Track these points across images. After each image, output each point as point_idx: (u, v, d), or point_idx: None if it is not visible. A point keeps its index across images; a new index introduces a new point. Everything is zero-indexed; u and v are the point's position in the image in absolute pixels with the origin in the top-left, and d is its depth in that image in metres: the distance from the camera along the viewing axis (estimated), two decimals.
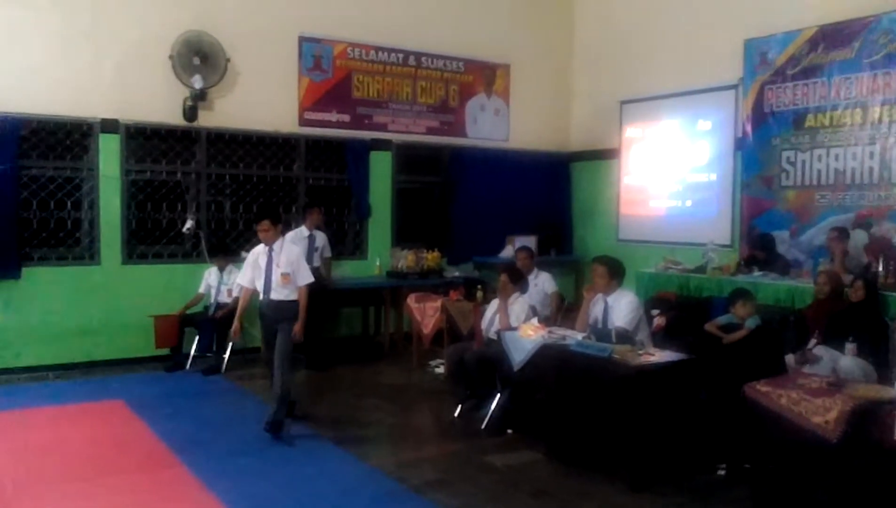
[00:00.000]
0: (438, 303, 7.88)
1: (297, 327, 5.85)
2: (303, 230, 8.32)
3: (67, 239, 8.02)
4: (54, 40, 7.71)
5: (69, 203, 7.98)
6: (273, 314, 5.89)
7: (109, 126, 7.98)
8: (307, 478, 5.02)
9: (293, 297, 5.89)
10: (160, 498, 4.68)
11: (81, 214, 8.05)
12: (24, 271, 7.65)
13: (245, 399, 7.05)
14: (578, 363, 5.25)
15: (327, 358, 8.20)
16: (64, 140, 7.93)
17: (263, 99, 8.78)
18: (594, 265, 5.98)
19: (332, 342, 8.73)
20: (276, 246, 5.93)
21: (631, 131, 10.21)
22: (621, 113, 10.27)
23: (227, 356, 7.94)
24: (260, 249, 6.01)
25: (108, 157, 8.00)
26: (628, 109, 10.20)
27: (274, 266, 5.88)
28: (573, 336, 5.67)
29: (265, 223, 5.88)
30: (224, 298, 8.11)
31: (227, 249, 8.45)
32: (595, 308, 5.89)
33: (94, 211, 8.00)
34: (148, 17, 8.09)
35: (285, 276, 5.85)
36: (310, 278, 5.98)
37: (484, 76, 10.50)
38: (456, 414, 6.37)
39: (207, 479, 4.91)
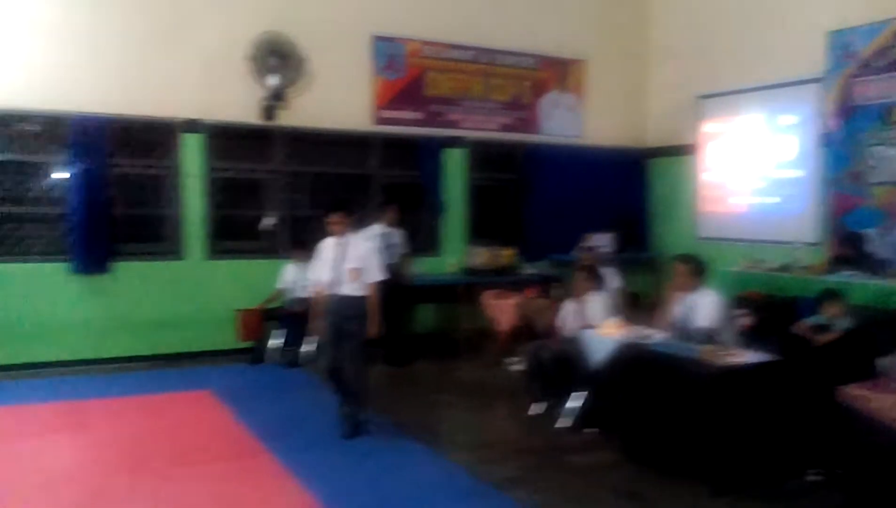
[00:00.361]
0: (515, 300, 7.87)
1: (370, 325, 5.72)
2: (380, 227, 8.41)
3: (154, 235, 8.30)
4: (140, 44, 7.99)
5: (155, 201, 8.27)
6: (341, 311, 5.69)
7: (192, 126, 8.23)
8: (388, 472, 5.07)
9: (362, 293, 5.73)
10: (249, 486, 4.80)
11: (167, 211, 8.32)
12: (114, 265, 7.96)
13: (324, 392, 7.15)
14: (661, 362, 5.16)
15: (405, 354, 8.28)
16: (150, 140, 8.21)
17: (338, 98, 8.91)
18: (676, 264, 5.87)
19: (408, 338, 8.81)
20: (346, 239, 5.76)
21: (710, 127, 9.99)
22: (700, 108, 10.05)
23: (303, 349, 8.09)
24: (329, 242, 5.82)
25: (192, 156, 8.26)
26: (707, 103, 9.98)
27: (343, 260, 5.70)
28: (655, 336, 5.58)
29: (337, 215, 5.73)
30: (303, 293, 8.26)
31: (306, 245, 8.59)
32: (677, 307, 5.79)
33: (179, 208, 8.26)
34: (227, 19, 8.30)
35: (355, 271, 5.67)
36: (380, 275, 5.82)
37: (557, 72, 10.42)
38: (533, 412, 6.35)
39: (293, 468, 5.03)
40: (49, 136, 7.80)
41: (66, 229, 7.80)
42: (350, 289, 5.69)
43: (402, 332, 8.43)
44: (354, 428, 5.71)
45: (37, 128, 7.77)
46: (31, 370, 7.54)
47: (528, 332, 7.61)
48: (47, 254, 7.80)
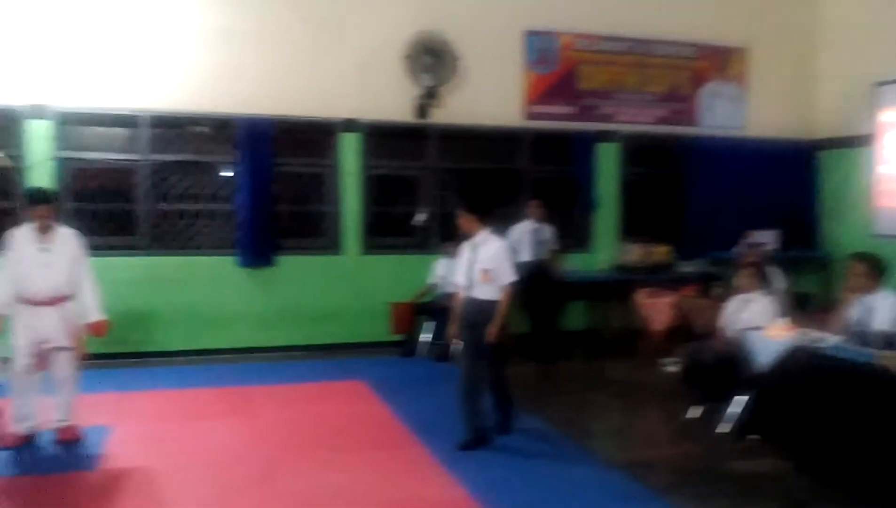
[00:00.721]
0: (671, 299, 7.59)
1: (492, 329, 5.28)
2: (529, 223, 8.37)
3: (314, 231, 8.66)
4: (302, 48, 8.35)
5: (315, 198, 8.63)
6: (471, 316, 5.39)
7: (350, 125, 8.51)
8: (541, 470, 5.01)
9: (496, 297, 5.33)
10: (401, 475, 4.90)
11: (326, 207, 8.64)
12: (278, 259, 8.36)
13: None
14: (834, 368, 4.79)
15: (554, 351, 8.18)
16: (311, 139, 8.58)
17: (490, 94, 8.94)
18: (852, 263, 5.43)
19: (558, 336, 8.70)
20: (477, 240, 5.41)
21: (888, 116, 9.20)
22: (876, 96, 9.27)
23: (453, 344, 8.16)
24: (467, 242, 5.54)
25: (349, 154, 8.55)
26: (885, 91, 9.18)
27: (476, 261, 5.39)
28: (828, 339, 5.19)
29: (465, 214, 5.44)
30: (453, 288, 8.34)
31: (456, 240, 8.66)
32: (853, 310, 5.35)
33: (337, 205, 8.57)
34: (383, 21, 8.52)
35: (486, 272, 5.30)
36: (513, 277, 5.36)
37: (717, 60, 9.94)
38: (691, 416, 6.08)
39: (445, 461, 5.08)
40: (218, 137, 8.32)
41: (234, 225, 8.29)
42: (482, 292, 5.35)
43: (551, 329, 8.34)
44: (500, 428, 5.63)
45: (207, 129, 8.30)
46: (203, 356, 8.05)
47: (685, 332, 7.32)
48: (217, 248, 8.32)
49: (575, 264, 9.08)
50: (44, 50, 7.59)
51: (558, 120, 9.29)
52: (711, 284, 7.62)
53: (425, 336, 8.36)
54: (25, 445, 5.27)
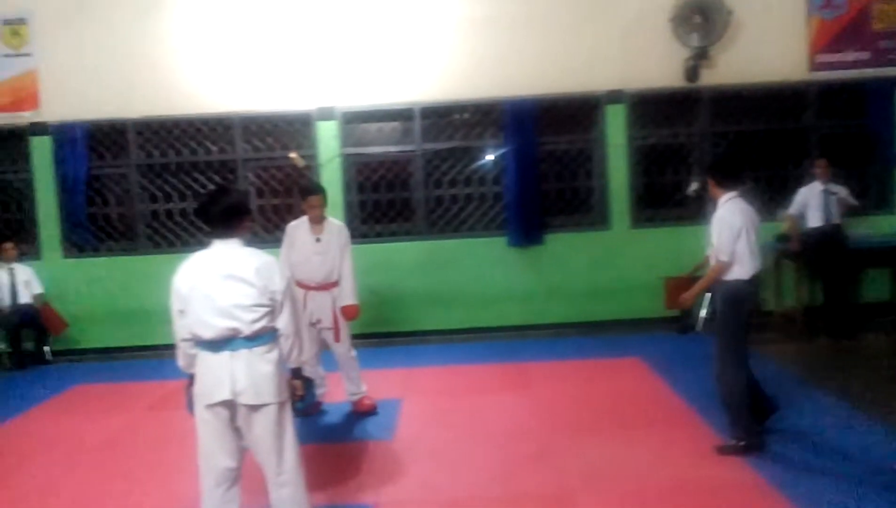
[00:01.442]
0: None
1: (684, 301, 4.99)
2: (816, 185, 7.65)
3: (581, 207, 8.59)
4: (562, 25, 8.29)
5: (581, 173, 8.55)
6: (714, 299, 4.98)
7: (615, 97, 8.30)
8: (839, 453, 4.58)
9: (732, 276, 4.71)
10: (685, 454, 4.71)
11: (593, 182, 8.54)
12: (546, 237, 8.42)
13: (760, 364, 6.68)
14: None
15: (850, 325, 7.39)
16: (574, 115, 8.49)
17: (768, 48, 8.25)
18: None
19: (855, 308, 7.85)
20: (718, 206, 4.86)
21: None
22: None
23: None
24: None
25: (615, 126, 8.34)
26: None
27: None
28: None
29: (710, 179, 4.93)
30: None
31: None
32: None
33: (604, 180, 8.42)
34: None
35: (711, 246, 4.82)
36: (724, 256, 4.62)
37: None
38: None
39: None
40: (484, 121, 8.54)
41: (502, 206, 8.47)
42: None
43: (846, 300, 7.55)
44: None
45: (472, 115, 8.55)
46: (478, 334, 8.35)
47: None
48: (486, 230, 8.56)
49: (874, 228, 8.11)
50: (327, 58, 8.29)
51: (849, 68, 8.31)
52: None
53: (703, 311, 7.95)
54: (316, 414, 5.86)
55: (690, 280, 7.88)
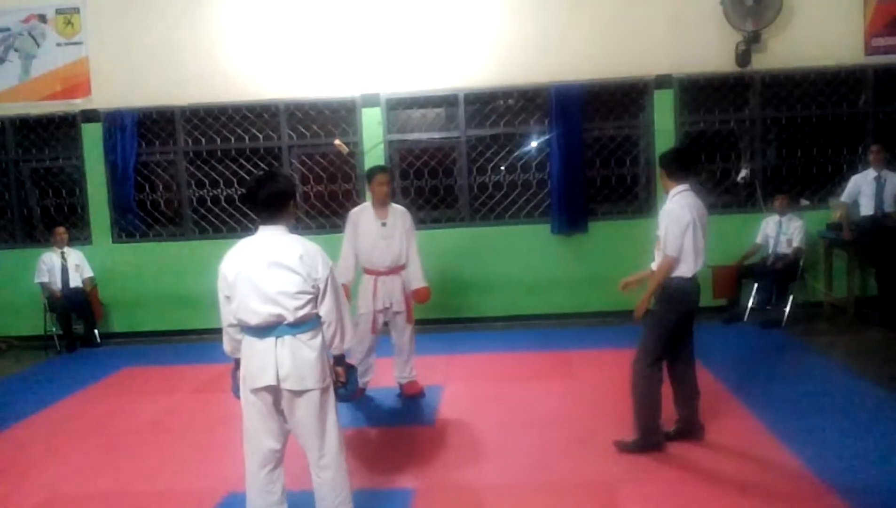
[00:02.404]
0: None
1: (638, 310, 4.73)
2: (870, 172, 7.46)
3: (627, 194, 8.47)
4: (611, 9, 8.14)
5: (627, 160, 8.43)
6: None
7: (663, 82, 8.14)
8: (893, 446, 4.44)
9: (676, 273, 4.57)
10: (732, 445, 4.63)
11: (639, 169, 8.41)
12: (591, 225, 8.33)
13: (809, 356, 6.61)
14: None
15: None
16: (621, 101, 8.36)
17: (822, 32, 8.00)
18: None
19: None
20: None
21: None
22: None
23: (787, 309, 7.53)
24: None
25: (663, 112, 8.19)
26: None
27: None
28: None
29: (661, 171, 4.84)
30: (783, 248, 7.69)
31: (786, 196, 7.92)
32: None
33: (651, 166, 8.28)
34: None
35: (658, 241, 4.66)
36: (671, 251, 4.47)
37: None
38: None
39: (778, 432, 4.75)
40: (528, 107, 8.46)
41: (546, 193, 8.40)
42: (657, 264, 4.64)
43: None
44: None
45: (516, 101, 8.47)
46: (521, 321, 8.32)
47: None
48: (530, 217, 8.50)
49: None
50: (371, 45, 8.28)
51: None
52: None
53: (751, 301, 7.80)
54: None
55: (738, 269, 7.85)
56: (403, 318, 5.83)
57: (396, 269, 5.77)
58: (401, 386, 6.00)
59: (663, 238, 4.51)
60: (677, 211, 4.49)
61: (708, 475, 4.26)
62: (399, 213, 5.81)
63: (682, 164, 4.65)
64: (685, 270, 4.50)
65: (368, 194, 5.89)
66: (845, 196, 7.58)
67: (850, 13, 8.01)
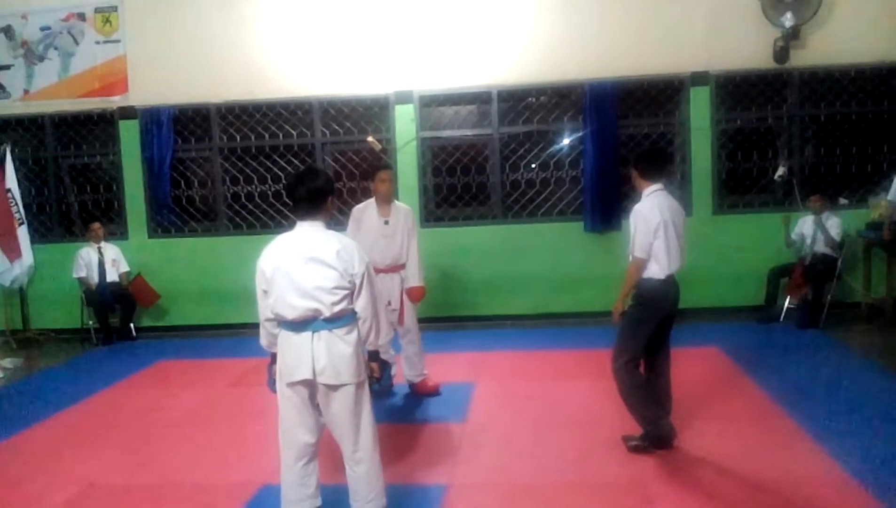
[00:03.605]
0: None
1: (614, 312, 4.75)
2: None
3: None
4: (646, 5, 8.06)
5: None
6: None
7: (699, 79, 8.05)
8: None
9: (647, 274, 4.54)
10: (768, 447, 4.56)
11: (673, 167, 8.31)
12: (624, 223, 8.21)
13: (846, 356, 6.51)
14: None
15: None
16: (656, 97, 8.28)
17: (861, 27, 7.86)
18: None
19: None
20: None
21: None
22: None
23: (825, 309, 7.42)
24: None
25: (699, 109, 8.09)
26: None
27: None
28: None
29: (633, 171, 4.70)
30: (820, 247, 7.56)
31: (822, 194, 7.78)
32: None
33: (686, 164, 8.19)
34: None
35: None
36: (638, 252, 4.43)
37: None
38: None
39: (816, 434, 4.67)
40: (562, 104, 8.41)
41: (579, 191, 8.35)
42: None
43: None
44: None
45: (550, 98, 8.43)
46: (552, 320, 8.29)
47: None
48: (563, 214, 8.46)
49: None
50: (405, 42, 8.29)
51: None
52: None
53: (787, 301, 7.70)
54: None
55: (775, 268, 7.74)
56: (405, 315, 5.80)
57: (396, 267, 5.77)
58: (412, 385, 6.00)
59: (631, 239, 4.46)
60: (646, 212, 4.41)
61: (741, 475, 4.20)
62: (402, 211, 5.82)
63: (655, 163, 4.57)
64: (656, 271, 4.44)
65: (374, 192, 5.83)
66: (892, 194, 7.40)
67: (891, 8, 7.84)
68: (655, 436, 4.54)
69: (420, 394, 5.94)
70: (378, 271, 5.70)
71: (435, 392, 5.94)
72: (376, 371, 3.62)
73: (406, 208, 5.91)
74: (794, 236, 7.78)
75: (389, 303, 5.74)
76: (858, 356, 6.43)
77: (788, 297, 7.71)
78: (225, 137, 8.74)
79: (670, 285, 4.50)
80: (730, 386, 5.77)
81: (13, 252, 8.57)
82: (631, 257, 4.49)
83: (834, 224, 7.55)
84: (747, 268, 8.01)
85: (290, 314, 3.37)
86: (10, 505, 4.32)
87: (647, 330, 4.52)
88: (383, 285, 5.70)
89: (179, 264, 8.79)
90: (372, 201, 5.80)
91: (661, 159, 4.71)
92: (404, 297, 5.79)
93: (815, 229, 7.59)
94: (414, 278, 5.81)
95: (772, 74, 8.02)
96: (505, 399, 5.76)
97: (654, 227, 4.37)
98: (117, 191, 8.94)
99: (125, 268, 8.64)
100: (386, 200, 5.74)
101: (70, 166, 9.10)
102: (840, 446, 4.46)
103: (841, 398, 5.33)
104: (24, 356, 8.05)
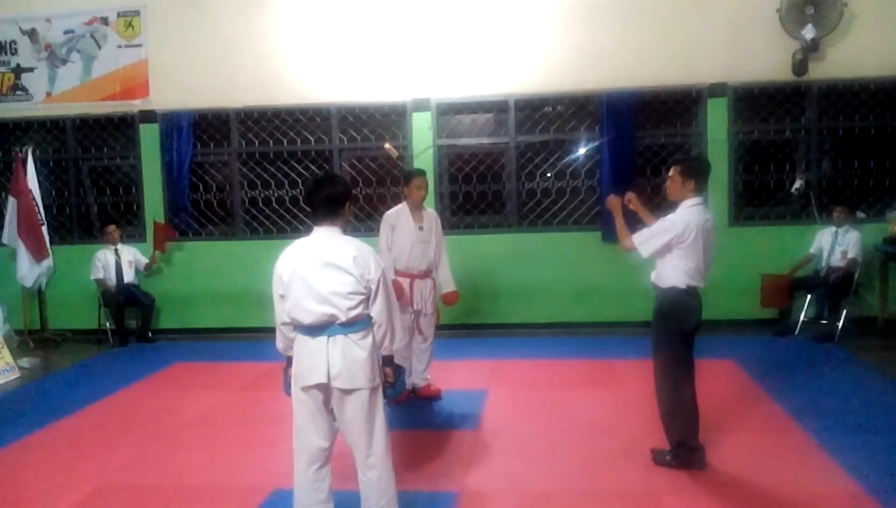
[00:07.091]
0: None
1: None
2: None
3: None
4: (665, 16, 8.07)
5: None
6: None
7: (717, 90, 8.04)
8: None
9: (671, 283, 4.43)
10: (782, 461, 4.53)
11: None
12: None
13: (863, 371, 6.45)
14: None
15: None
16: (673, 109, 8.27)
17: (881, 41, 7.85)
18: None
19: None
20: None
21: None
22: None
23: (840, 323, 7.36)
24: None
25: (716, 120, 8.09)
26: None
27: None
28: None
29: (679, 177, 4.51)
30: (837, 260, 7.52)
31: (843, 207, 7.74)
32: None
33: None
34: None
35: None
36: (640, 241, 4.39)
37: None
38: None
39: (831, 449, 4.63)
40: (579, 114, 8.43)
41: (595, 200, 8.35)
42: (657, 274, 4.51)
43: None
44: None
45: (567, 107, 8.44)
46: (567, 329, 8.28)
47: None
48: (579, 224, 8.46)
49: None
50: (422, 50, 8.34)
51: None
52: None
53: (803, 314, 7.65)
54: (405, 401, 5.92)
55: (790, 280, 7.70)
56: (431, 321, 5.87)
57: (429, 272, 5.83)
58: (415, 389, 6.02)
59: (650, 230, 4.33)
60: (677, 219, 4.25)
61: (755, 489, 4.17)
62: (432, 217, 5.88)
63: (704, 174, 4.37)
64: (676, 279, 4.30)
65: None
66: None
67: None
68: (686, 459, 4.46)
69: (424, 398, 5.97)
70: (412, 276, 5.73)
71: (438, 397, 5.99)
72: (390, 376, 3.64)
73: (434, 213, 5.97)
74: (812, 249, 7.74)
75: (424, 308, 5.78)
76: (874, 371, 6.38)
77: (804, 310, 7.66)
78: (243, 142, 8.81)
79: (694, 297, 4.38)
80: (745, 400, 5.75)
81: (40, 252, 8.66)
82: (632, 242, 4.38)
83: (853, 238, 7.50)
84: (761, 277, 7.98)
85: (307, 319, 3.39)
86: (25, 504, 4.37)
87: (681, 341, 4.38)
88: (418, 291, 5.74)
89: (196, 267, 8.86)
90: (404, 206, 5.81)
91: (709, 170, 4.44)
92: (438, 302, 5.87)
93: (832, 241, 7.55)
94: (448, 283, 5.90)
95: (790, 86, 8.00)
96: (518, 407, 5.76)
97: (670, 236, 4.22)
98: (136, 194, 9.03)
99: (145, 260, 8.71)
100: (419, 206, 5.78)
101: (90, 169, 9.20)
102: (855, 461, 4.42)
103: (856, 413, 5.29)
104: (42, 356, 8.12)
